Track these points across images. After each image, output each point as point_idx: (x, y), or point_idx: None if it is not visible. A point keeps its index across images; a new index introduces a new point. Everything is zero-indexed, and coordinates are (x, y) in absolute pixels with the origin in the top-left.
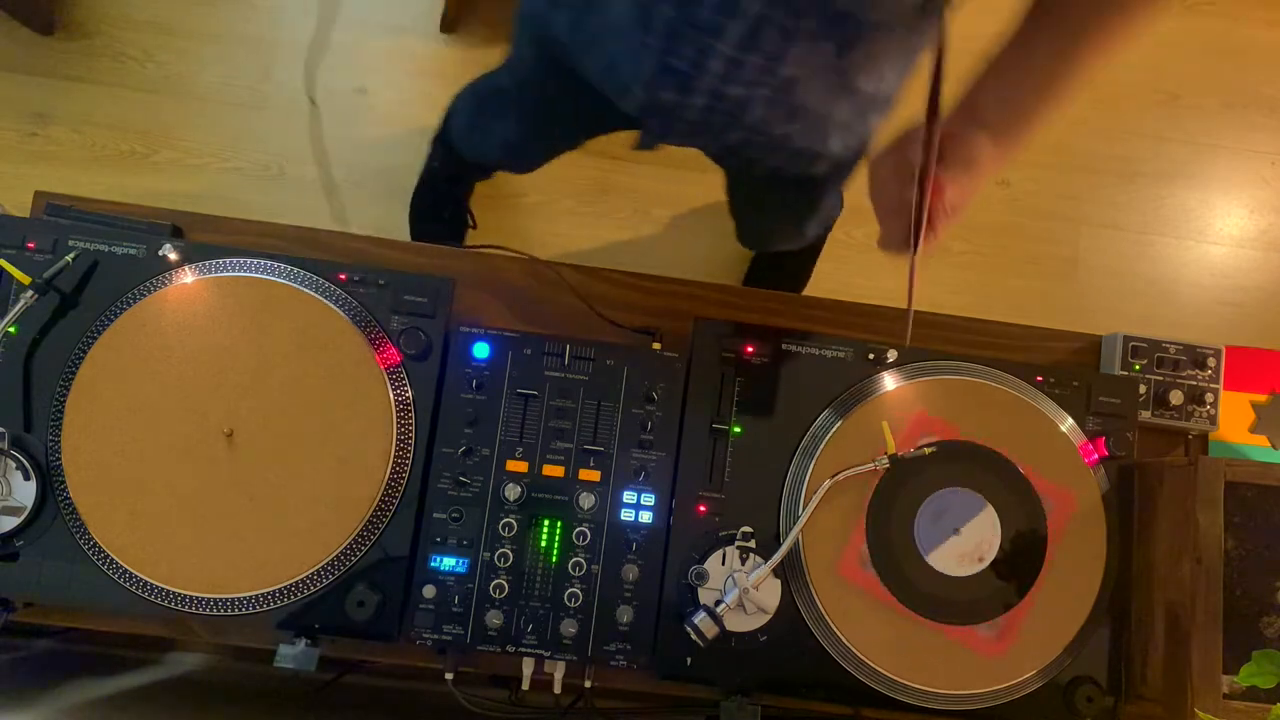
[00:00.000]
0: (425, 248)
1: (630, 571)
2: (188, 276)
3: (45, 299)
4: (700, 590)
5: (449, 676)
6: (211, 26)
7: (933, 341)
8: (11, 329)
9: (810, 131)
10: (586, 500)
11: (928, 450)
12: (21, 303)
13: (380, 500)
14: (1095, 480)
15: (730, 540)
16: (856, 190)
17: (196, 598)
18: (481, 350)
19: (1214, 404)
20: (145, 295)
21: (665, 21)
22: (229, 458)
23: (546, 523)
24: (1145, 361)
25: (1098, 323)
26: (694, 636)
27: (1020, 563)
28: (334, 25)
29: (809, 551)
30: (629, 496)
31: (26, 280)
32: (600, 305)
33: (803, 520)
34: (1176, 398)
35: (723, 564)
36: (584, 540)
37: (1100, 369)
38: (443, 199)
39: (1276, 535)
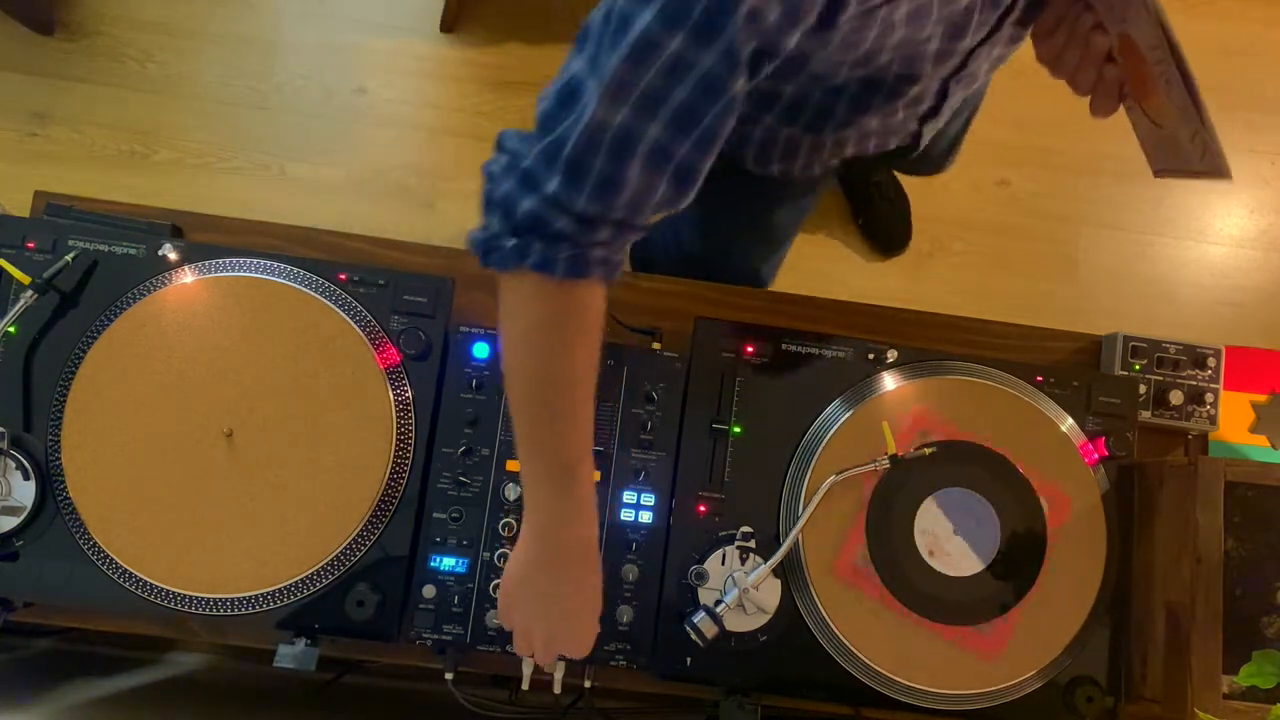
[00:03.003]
0: (426, 248)
1: (630, 571)
2: (187, 276)
3: (45, 299)
4: (700, 590)
5: (449, 676)
6: (211, 26)
7: (933, 341)
8: (11, 329)
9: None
10: None
11: (928, 450)
12: (21, 303)
13: (380, 500)
14: (1095, 480)
15: (730, 540)
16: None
17: (196, 598)
18: (481, 350)
19: (1214, 404)
20: (145, 295)
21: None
22: (229, 458)
23: None
24: (1145, 361)
25: (1098, 323)
26: (694, 636)
27: (1020, 563)
28: (334, 25)
29: (809, 551)
30: (629, 496)
31: (26, 280)
32: None
33: (803, 520)
34: (1176, 398)
35: (723, 564)
36: None
37: (1100, 369)
38: None
39: (1276, 535)
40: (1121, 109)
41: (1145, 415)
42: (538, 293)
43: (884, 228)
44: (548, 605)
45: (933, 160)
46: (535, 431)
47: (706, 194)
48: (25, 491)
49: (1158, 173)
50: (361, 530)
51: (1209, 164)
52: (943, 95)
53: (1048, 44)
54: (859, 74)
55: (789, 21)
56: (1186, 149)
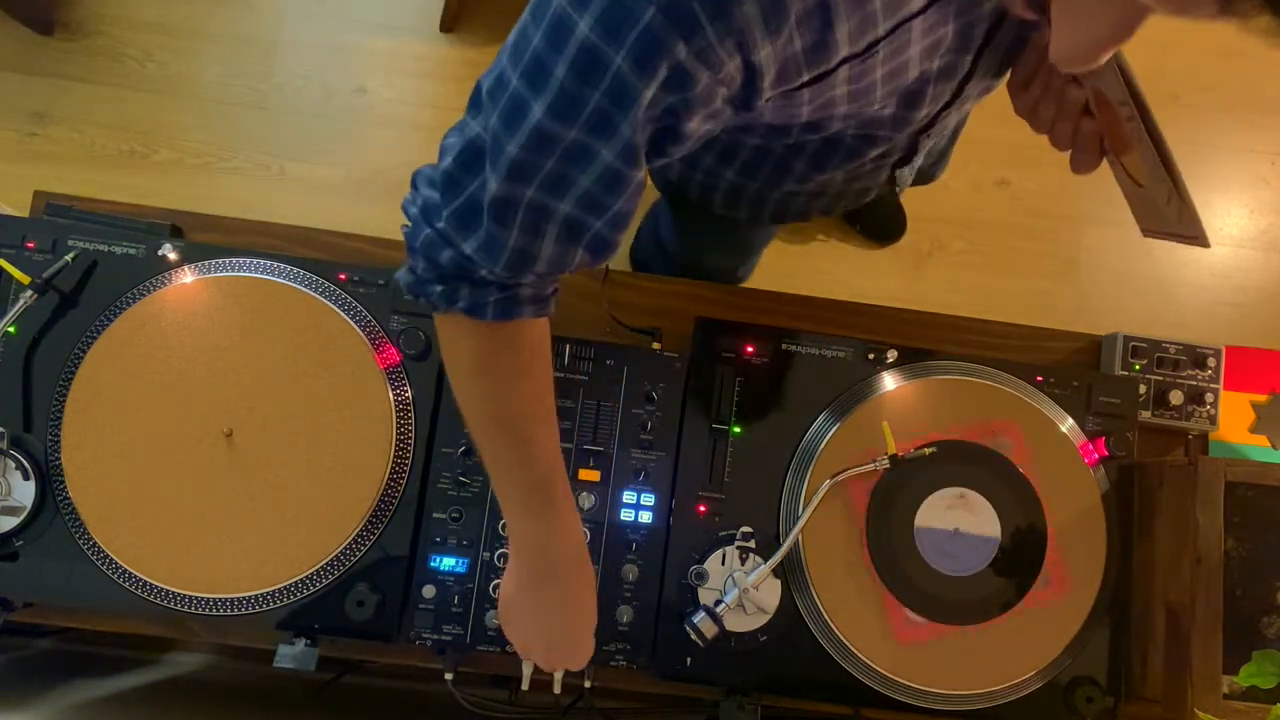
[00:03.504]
0: None
1: (630, 571)
2: (187, 276)
3: (45, 299)
4: (700, 590)
5: (449, 676)
6: (211, 26)
7: (933, 341)
8: (11, 329)
9: None
10: (586, 500)
11: (928, 450)
12: (21, 302)
13: (380, 500)
14: (1095, 480)
15: (730, 540)
16: None
17: (196, 598)
18: None
19: (1214, 404)
20: (145, 295)
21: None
22: (229, 458)
23: None
24: (1145, 361)
25: (1098, 323)
26: (694, 636)
27: (1020, 562)
28: (334, 25)
29: (809, 551)
30: (629, 496)
31: (26, 280)
32: (600, 305)
33: (803, 520)
34: (1176, 398)
35: (723, 564)
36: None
37: (1100, 369)
38: None
39: (1277, 535)
40: (1106, 165)
41: (1145, 415)
42: (472, 333)
43: (879, 219)
44: (540, 620)
45: (921, 174)
46: (496, 458)
47: (679, 216)
48: (25, 491)
49: (1145, 233)
50: (361, 530)
51: (1186, 228)
52: (913, 149)
53: (1024, 97)
54: (813, 136)
55: (686, 109)
56: (1163, 210)
